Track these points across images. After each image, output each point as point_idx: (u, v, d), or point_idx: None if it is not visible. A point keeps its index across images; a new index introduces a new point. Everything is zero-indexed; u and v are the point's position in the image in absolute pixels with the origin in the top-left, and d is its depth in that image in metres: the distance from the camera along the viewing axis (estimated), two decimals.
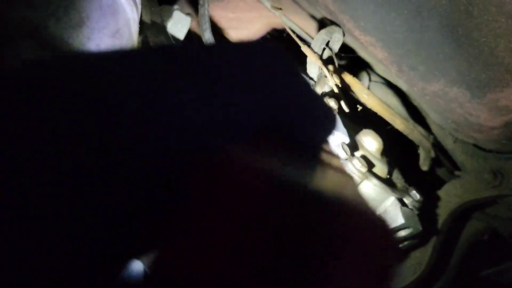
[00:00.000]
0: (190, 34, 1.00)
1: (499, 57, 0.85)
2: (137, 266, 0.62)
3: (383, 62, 0.96)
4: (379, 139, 1.09)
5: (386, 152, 1.12)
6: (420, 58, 0.90)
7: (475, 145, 1.16)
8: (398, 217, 1.03)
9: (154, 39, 0.75)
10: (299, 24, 1.03)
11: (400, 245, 1.15)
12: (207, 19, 0.93)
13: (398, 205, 1.04)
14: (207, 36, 0.94)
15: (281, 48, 0.30)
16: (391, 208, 1.04)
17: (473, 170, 1.18)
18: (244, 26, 1.18)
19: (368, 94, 1.06)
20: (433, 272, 1.23)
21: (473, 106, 0.93)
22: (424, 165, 1.26)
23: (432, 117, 1.11)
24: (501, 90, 0.90)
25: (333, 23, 0.98)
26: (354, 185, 0.31)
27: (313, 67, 0.97)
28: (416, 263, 1.20)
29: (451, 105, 0.95)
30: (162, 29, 0.84)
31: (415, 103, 1.21)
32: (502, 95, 0.90)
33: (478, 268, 1.55)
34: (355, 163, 0.97)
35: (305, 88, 0.31)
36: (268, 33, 1.14)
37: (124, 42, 0.66)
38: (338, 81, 0.93)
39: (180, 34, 0.94)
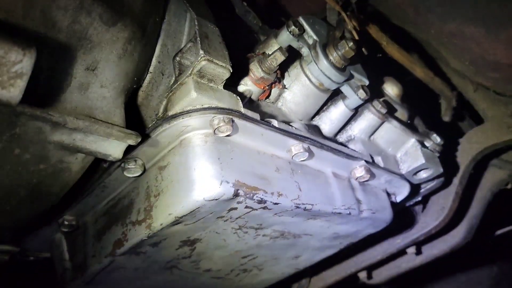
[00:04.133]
0: None
1: None
2: None
3: (401, 6, 1.00)
4: (399, 85, 1.12)
5: (407, 99, 1.16)
6: None
7: (495, 92, 1.18)
8: (418, 157, 1.05)
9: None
10: None
11: (423, 189, 1.18)
12: None
13: (419, 146, 1.06)
14: None
15: None
16: (411, 149, 1.07)
17: (494, 116, 1.21)
18: None
19: (387, 41, 1.09)
20: (456, 218, 1.26)
21: (490, 44, 0.96)
22: (446, 116, 1.28)
23: (451, 64, 1.14)
24: None
25: None
26: None
27: (332, 13, 1.01)
28: (439, 208, 1.23)
29: (468, 44, 0.98)
30: None
31: (434, 55, 1.23)
32: None
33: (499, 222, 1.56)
34: (375, 104, 1.01)
35: None
36: None
37: None
38: (357, 25, 0.97)
39: None
